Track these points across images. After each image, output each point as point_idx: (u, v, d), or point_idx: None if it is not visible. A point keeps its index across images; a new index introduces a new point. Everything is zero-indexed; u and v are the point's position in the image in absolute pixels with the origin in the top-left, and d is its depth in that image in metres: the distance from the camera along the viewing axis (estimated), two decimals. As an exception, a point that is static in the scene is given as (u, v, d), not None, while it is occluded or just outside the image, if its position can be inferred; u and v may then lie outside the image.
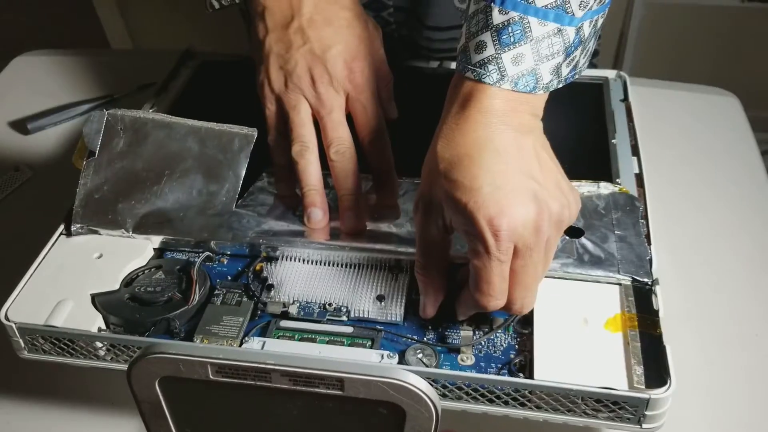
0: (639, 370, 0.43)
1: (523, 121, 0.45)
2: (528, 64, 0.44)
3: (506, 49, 0.44)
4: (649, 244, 0.51)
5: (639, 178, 0.57)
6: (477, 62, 0.44)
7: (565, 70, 0.46)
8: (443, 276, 0.47)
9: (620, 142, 0.61)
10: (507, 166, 0.43)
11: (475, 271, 0.43)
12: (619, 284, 0.49)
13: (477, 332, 0.48)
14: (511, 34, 0.44)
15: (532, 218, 0.42)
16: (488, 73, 0.44)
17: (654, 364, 0.43)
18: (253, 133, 0.56)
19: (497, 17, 0.44)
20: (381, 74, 0.59)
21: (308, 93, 0.56)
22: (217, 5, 0.59)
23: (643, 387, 0.42)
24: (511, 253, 0.42)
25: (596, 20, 0.46)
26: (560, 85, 0.46)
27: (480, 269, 0.42)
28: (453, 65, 0.68)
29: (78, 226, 0.54)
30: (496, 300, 0.43)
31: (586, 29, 0.46)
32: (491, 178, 0.42)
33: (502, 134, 0.44)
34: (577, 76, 0.48)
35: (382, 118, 0.57)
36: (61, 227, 0.55)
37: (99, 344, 0.47)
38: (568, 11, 0.44)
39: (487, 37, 0.44)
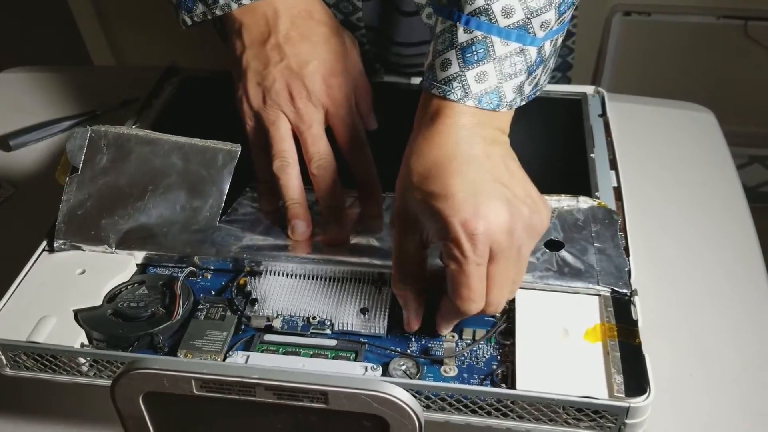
0: (619, 379, 0.44)
1: (490, 134, 0.46)
2: (491, 82, 0.45)
3: (470, 67, 0.45)
4: (628, 255, 0.52)
5: (617, 192, 0.58)
6: (442, 79, 0.46)
7: (527, 88, 0.47)
8: (421, 288, 0.48)
9: (598, 156, 0.62)
10: (478, 173, 0.44)
11: (454, 277, 0.43)
12: (599, 295, 0.50)
13: (460, 344, 0.48)
14: (474, 53, 0.45)
15: (505, 221, 0.42)
16: (452, 90, 0.45)
17: (633, 373, 0.44)
18: (237, 148, 0.56)
19: (462, 36, 0.45)
20: (360, 87, 0.60)
21: (287, 109, 0.56)
22: (189, 22, 0.59)
23: (623, 396, 0.43)
24: (488, 255, 0.43)
25: (556, 39, 0.48)
26: (523, 103, 0.48)
27: (458, 274, 0.43)
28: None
29: (61, 242, 0.54)
30: (475, 303, 0.44)
31: (547, 48, 0.47)
32: (464, 185, 0.43)
33: (471, 144, 0.45)
34: (538, 93, 0.49)
35: (362, 130, 0.58)
36: (44, 243, 0.55)
37: (82, 360, 0.47)
38: (530, 32, 0.45)
39: (452, 55, 0.46)
